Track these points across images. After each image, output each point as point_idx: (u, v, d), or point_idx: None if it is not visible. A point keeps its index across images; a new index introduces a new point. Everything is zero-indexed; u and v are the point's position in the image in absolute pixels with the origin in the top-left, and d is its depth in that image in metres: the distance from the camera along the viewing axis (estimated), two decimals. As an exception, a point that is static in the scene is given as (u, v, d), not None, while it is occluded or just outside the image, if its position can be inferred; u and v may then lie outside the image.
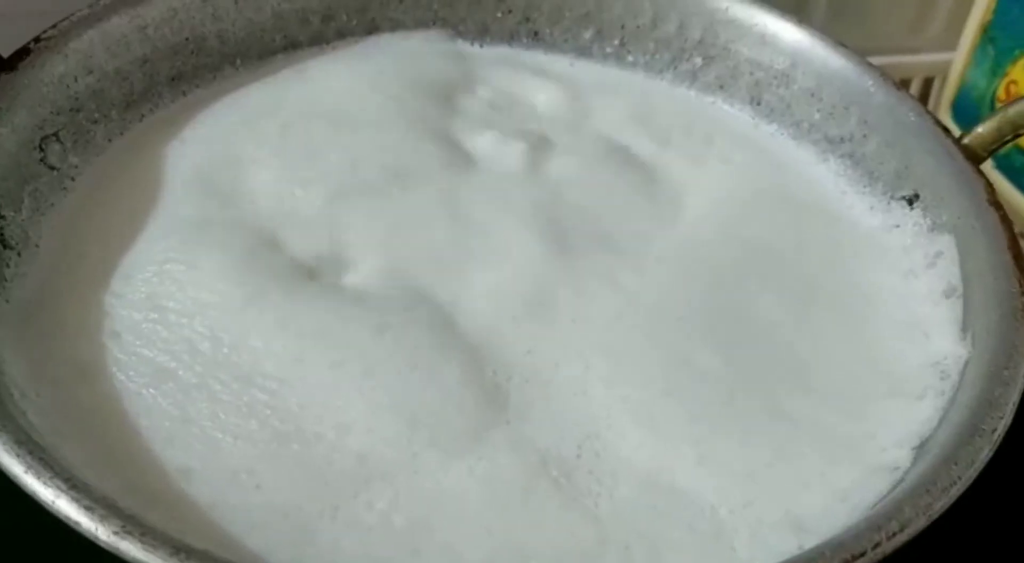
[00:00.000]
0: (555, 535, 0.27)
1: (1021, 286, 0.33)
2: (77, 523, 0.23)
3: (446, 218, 0.36)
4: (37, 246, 0.34)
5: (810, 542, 0.27)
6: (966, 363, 0.32)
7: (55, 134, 0.37)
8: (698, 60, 0.46)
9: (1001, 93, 0.55)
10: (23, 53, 0.37)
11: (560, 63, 0.46)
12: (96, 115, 0.39)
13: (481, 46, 0.46)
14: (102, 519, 0.23)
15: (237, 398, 0.30)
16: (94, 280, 0.33)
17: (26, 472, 0.24)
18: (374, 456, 0.29)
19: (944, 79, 0.61)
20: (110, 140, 0.39)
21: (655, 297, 0.35)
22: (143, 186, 0.37)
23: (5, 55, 0.36)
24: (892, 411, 0.32)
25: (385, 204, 0.37)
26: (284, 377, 0.30)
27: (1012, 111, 0.38)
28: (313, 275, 0.34)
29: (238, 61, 0.44)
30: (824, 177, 0.42)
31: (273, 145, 0.39)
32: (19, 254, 0.34)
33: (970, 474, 0.27)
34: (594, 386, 0.31)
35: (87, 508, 0.23)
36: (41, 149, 0.37)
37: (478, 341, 0.32)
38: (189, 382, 0.30)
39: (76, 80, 0.38)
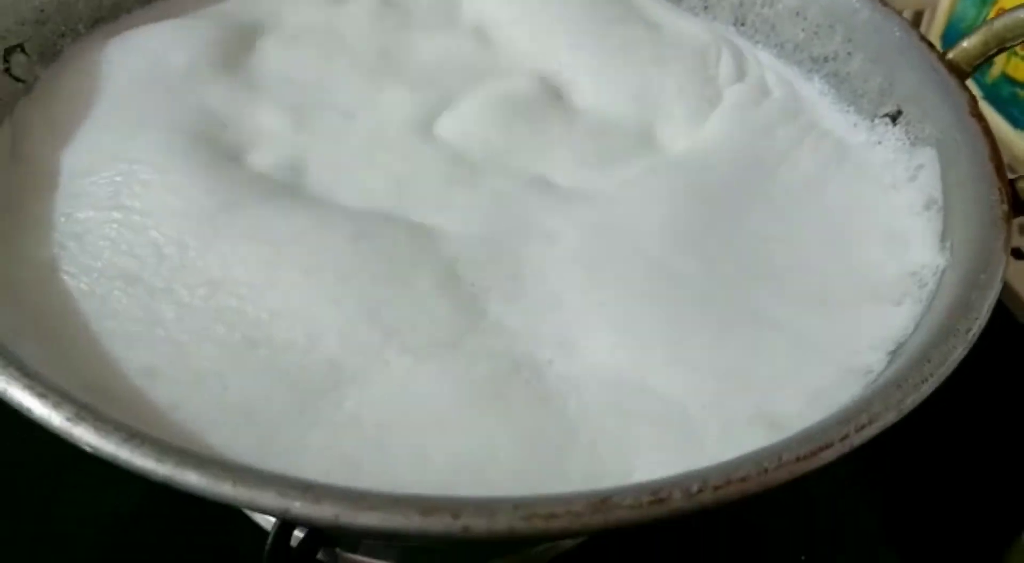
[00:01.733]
0: (523, 433, 0.27)
1: (1002, 194, 0.32)
2: (29, 410, 0.22)
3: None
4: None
5: (780, 437, 0.27)
6: (943, 271, 0.32)
7: (20, 46, 0.37)
8: (682, -18, 0.45)
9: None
10: (-15, -39, 0.36)
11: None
12: (63, 28, 0.39)
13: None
14: (56, 406, 0.22)
15: (204, 303, 0.29)
16: (55, 180, 0.32)
17: (-23, 362, 0.23)
18: (345, 362, 0.28)
19: (934, 10, 0.60)
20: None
21: (637, 208, 0.34)
22: (106, 88, 0.36)
23: (-34, -37, 0.36)
24: (869, 316, 0.31)
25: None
26: (255, 282, 0.30)
27: (998, 24, 0.37)
28: (287, 188, 0.34)
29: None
30: (809, 96, 0.41)
31: (239, 57, 0.38)
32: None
33: (942, 372, 0.26)
34: (571, 294, 0.31)
35: (40, 395, 0.23)
36: (5, 60, 0.36)
37: (454, 251, 0.32)
38: (154, 286, 0.29)
39: (41, -8, 0.38)
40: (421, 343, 0.29)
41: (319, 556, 0.36)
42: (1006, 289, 0.47)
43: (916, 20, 0.62)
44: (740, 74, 0.42)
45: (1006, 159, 0.53)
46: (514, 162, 0.36)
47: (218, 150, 0.34)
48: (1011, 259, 0.30)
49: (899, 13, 0.40)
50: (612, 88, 0.39)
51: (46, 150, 0.34)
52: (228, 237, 0.31)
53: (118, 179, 0.32)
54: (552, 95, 0.39)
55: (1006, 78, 0.53)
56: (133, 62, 0.37)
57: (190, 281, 0.30)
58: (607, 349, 0.29)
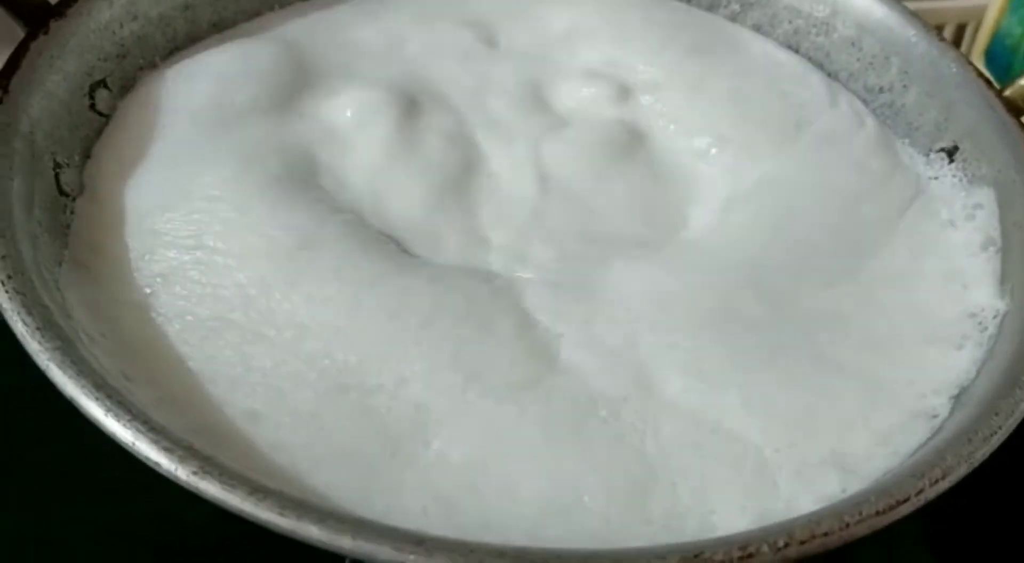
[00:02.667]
0: (606, 471, 0.28)
1: (1061, 239, 0.33)
2: (157, 464, 0.24)
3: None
4: (84, 188, 0.35)
5: (852, 483, 0.28)
6: (1004, 315, 0.33)
7: (103, 81, 0.38)
8: (736, 6, 0.46)
9: (1037, 41, 0.54)
10: (70, 0, 0.37)
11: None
12: (141, 61, 0.40)
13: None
14: (181, 460, 0.24)
15: (294, 347, 0.30)
16: (130, 217, 0.33)
17: (107, 415, 0.24)
18: (430, 404, 0.29)
19: (978, 25, 0.60)
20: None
21: (709, 249, 0.35)
22: (171, 122, 0.37)
23: (53, 2, 0.37)
24: (931, 359, 0.32)
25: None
26: (340, 325, 0.31)
27: (1056, 62, 0.38)
28: (369, 222, 0.34)
29: (276, 5, 0.44)
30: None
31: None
32: (73, 200, 0.34)
33: (1010, 424, 0.27)
34: (643, 336, 0.32)
35: (166, 449, 0.24)
36: (91, 96, 0.37)
37: (530, 296, 0.33)
38: (245, 329, 0.30)
39: (122, 26, 0.39)
40: (501, 385, 0.30)
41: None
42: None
43: (958, 34, 0.63)
44: (833, 101, 0.42)
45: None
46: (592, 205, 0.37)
47: (292, 184, 0.35)
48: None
49: (955, 49, 0.41)
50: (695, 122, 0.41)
51: (118, 186, 0.35)
52: (311, 277, 0.31)
53: (196, 216, 0.33)
54: (634, 136, 0.40)
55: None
56: (196, 94, 0.38)
57: (278, 323, 0.31)
58: (680, 390, 0.31)
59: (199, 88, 0.38)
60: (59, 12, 0.36)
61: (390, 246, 0.34)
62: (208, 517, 0.42)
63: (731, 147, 0.39)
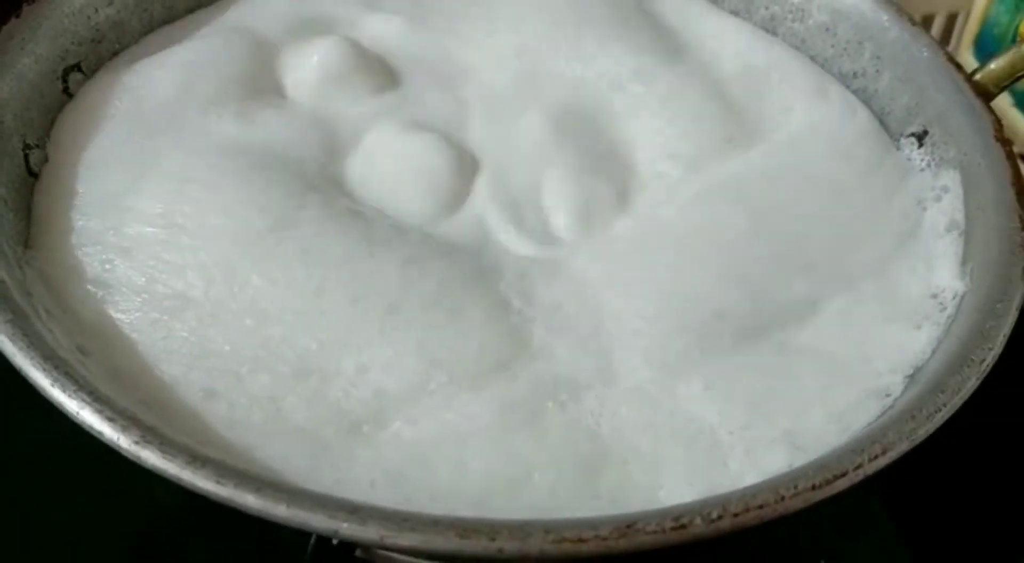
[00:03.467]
0: (556, 449, 0.29)
1: (1022, 222, 0.33)
2: (100, 433, 0.24)
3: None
4: (48, 162, 0.35)
5: (800, 460, 0.28)
6: (963, 296, 0.33)
7: (77, 65, 0.38)
8: (714, -11, 0.46)
9: (1023, 29, 0.54)
10: (44, -17, 0.37)
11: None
12: (116, 46, 0.40)
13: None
14: (124, 429, 0.24)
15: (253, 332, 0.30)
16: (106, 193, 0.33)
17: (52, 385, 0.25)
18: (390, 390, 0.29)
19: (968, 14, 0.60)
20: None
21: (683, 229, 0.35)
22: (153, 99, 0.37)
23: (27, -14, 0.37)
24: (890, 338, 0.33)
25: None
26: (302, 310, 0.30)
27: (1026, 47, 0.38)
28: (340, 205, 0.34)
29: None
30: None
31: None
32: (39, 178, 0.35)
33: (955, 402, 0.27)
34: (609, 323, 0.32)
35: (109, 419, 0.24)
36: (64, 80, 0.38)
37: (504, 277, 0.33)
38: (203, 311, 0.30)
39: (97, 11, 0.39)
40: (467, 373, 0.30)
41: (357, 553, 0.38)
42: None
43: (949, 23, 0.63)
44: (821, 92, 0.42)
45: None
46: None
47: (269, 165, 0.35)
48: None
49: (927, 33, 0.41)
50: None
51: (81, 163, 0.35)
52: (276, 260, 0.31)
53: (167, 196, 0.33)
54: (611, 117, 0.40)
55: (1037, 86, 0.53)
56: (163, 81, 0.38)
57: (237, 308, 0.31)
58: (643, 379, 0.31)
59: (166, 76, 0.38)
60: (32, -4, 0.37)
61: (368, 224, 0.33)
62: (186, 501, 0.43)
63: (707, 140, 0.39)
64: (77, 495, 0.42)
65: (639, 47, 0.41)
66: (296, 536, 0.37)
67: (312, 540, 0.36)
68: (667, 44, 0.42)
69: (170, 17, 0.42)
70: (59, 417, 0.26)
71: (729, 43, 0.43)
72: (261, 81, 0.38)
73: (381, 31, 0.42)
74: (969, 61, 0.58)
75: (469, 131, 0.38)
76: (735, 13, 0.46)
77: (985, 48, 0.58)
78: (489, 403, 0.30)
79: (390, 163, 0.36)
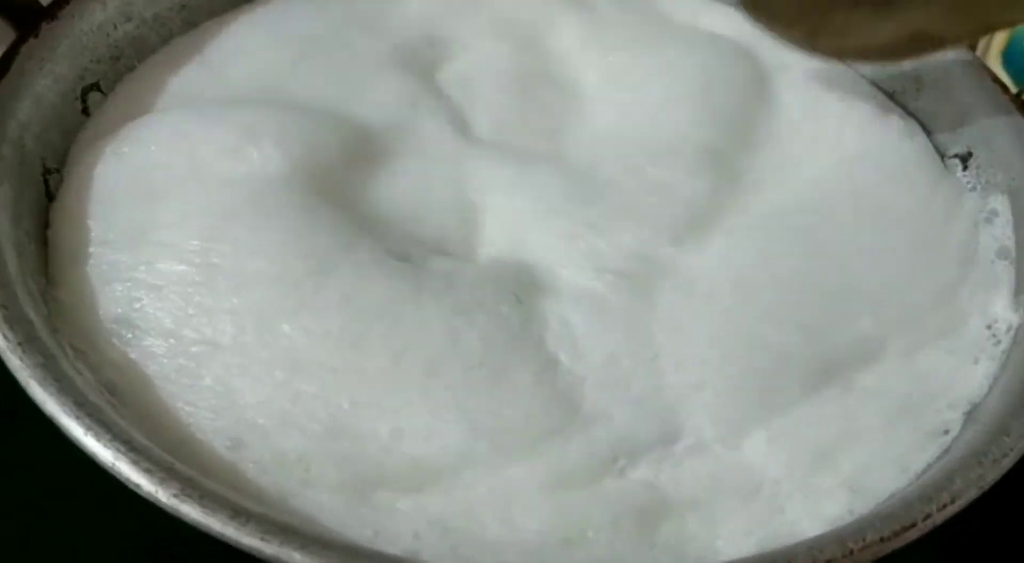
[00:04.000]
0: (613, 506, 0.27)
1: (1076, 251, 0.32)
2: (137, 485, 0.23)
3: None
4: (63, 183, 0.34)
5: (859, 504, 0.27)
6: (1018, 328, 0.32)
7: (96, 84, 0.37)
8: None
9: (1055, 41, 0.53)
10: (62, 1, 0.36)
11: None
12: (135, 63, 0.39)
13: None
14: (162, 482, 0.23)
15: (283, 386, 0.28)
16: (135, 225, 0.31)
17: (86, 434, 0.24)
18: (429, 461, 0.27)
19: (995, 25, 0.59)
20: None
21: (738, 267, 0.33)
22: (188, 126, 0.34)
23: (44, 3, 0.36)
24: (950, 373, 0.31)
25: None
26: (336, 366, 0.28)
27: (1073, 66, 0.37)
28: (398, 254, 0.32)
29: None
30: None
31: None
32: (55, 200, 0.33)
33: (1022, 446, 0.26)
34: (668, 376, 0.30)
35: (147, 471, 0.23)
36: (83, 100, 0.36)
37: (554, 334, 0.31)
38: (230, 362, 0.29)
39: (115, 27, 0.38)
40: (514, 443, 0.28)
41: None
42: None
43: (975, 33, 0.61)
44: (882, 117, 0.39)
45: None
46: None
47: (317, 204, 0.32)
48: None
49: (970, 51, 0.40)
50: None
51: (112, 189, 0.33)
52: (313, 308, 0.29)
53: (206, 233, 0.31)
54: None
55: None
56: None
57: (267, 359, 0.29)
58: (709, 435, 0.29)
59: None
60: (51, 14, 0.36)
61: (415, 268, 0.31)
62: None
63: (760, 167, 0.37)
64: (77, 495, 0.40)
65: None
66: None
67: None
68: None
69: (190, 30, 0.41)
70: (62, 442, 0.25)
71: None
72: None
73: None
74: (998, 73, 0.57)
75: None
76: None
77: (1013, 61, 0.57)
78: (538, 472, 0.28)
79: (438, 196, 0.34)
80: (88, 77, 0.37)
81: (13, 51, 0.34)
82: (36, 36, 0.35)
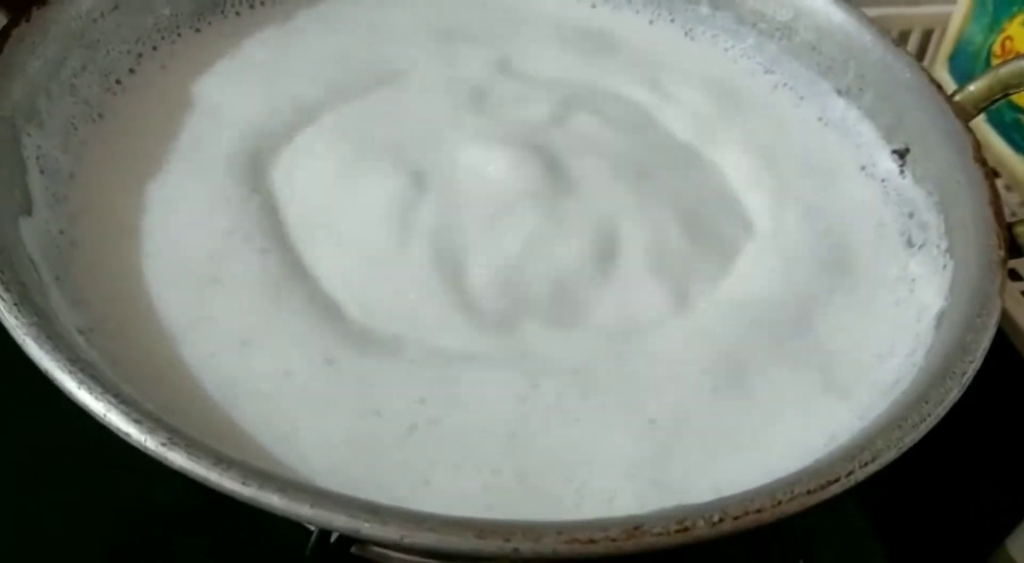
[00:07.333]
0: None
1: (999, 239, 0.35)
2: (127, 434, 0.25)
3: None
4: (71, 176, 0.36)
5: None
6: (943, 312, 0.34)
7: (84, 67, 0.39)
8: (705, 9, 0.48)
9: (997, 48, 0.56)
10: (52, -13, 0.38)
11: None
12: (124, 48, 0.40)
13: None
14: (150, 431, 0.25)
15: None
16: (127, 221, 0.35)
17: (79, 387, 0.26)
18: None
19: (943, 32, 0.62)
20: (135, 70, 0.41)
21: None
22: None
23: (36, -10, 0.38)
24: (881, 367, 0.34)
25: None
26: None
27: (1004, 71, 0.40)
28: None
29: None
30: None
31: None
32: (56, 183, 0.35)
33: (939, 412, 0.29)
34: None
35: (136, 421, 0.25)
36: (72, 84, 0.38)
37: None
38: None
39: (103, 14, 0.40)
40: None
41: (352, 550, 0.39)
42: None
43: (925, 40, 0.65)
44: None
45: (1007, 182, 0.56)
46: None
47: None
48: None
49: (909, 54, 0.43)
50: None
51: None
52: None
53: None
54: None
55: (1010, 104, 0.55)
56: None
57: None
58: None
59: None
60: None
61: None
62: (178, 496, 0.43)
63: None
64: (76, 495, 0.42)
65: None
66: (293, 534, 0.37)
67: (312, 538, 0.37)
68: None
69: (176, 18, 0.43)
70: (55, 417, 0.27)
71: None
72: None
73: None
74: (944, 77, 0.60)
75: None
76: (724, 31, 0.47)
77: (959, 65, 0.60)
78: None
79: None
80: (76, 61, 0.38)
81: (4, 35, 0.36)
82: (28, 20, 0.36)
